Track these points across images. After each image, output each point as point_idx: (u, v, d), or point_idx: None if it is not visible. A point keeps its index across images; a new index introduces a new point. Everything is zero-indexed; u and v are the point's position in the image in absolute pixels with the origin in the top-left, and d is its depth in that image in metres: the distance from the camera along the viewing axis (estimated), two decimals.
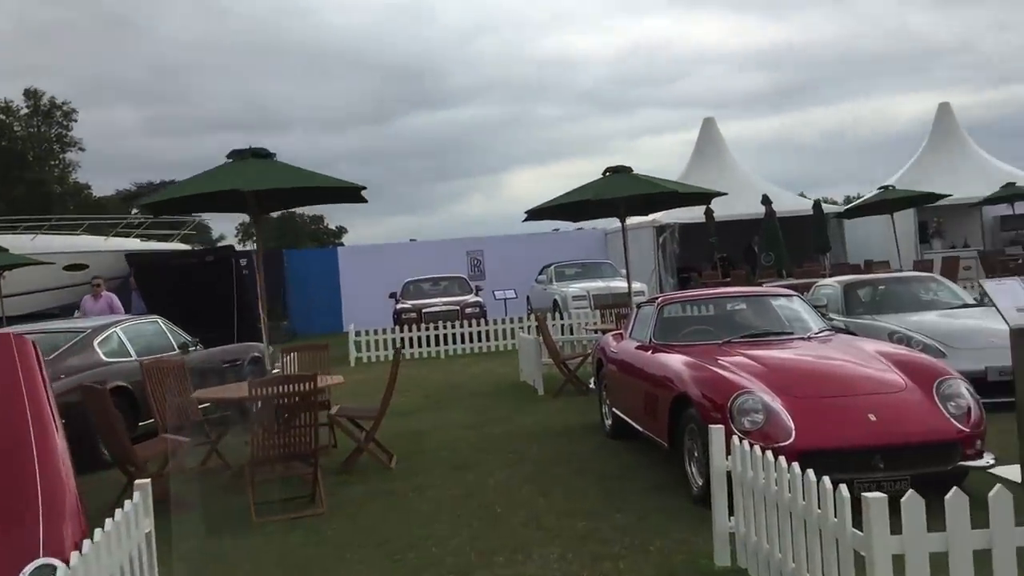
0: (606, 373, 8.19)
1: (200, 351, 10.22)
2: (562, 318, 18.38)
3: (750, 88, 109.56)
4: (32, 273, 19.33)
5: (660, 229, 24.80)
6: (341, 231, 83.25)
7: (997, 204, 22.48)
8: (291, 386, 6.41)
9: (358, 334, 17.94)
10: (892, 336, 8.70)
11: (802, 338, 6.85)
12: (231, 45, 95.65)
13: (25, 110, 54.50)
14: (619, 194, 10.66)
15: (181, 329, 10.81)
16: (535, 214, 11.77)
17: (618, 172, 11.29)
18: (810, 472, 3.87)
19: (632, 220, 28.59)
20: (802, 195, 31.57)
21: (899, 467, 5.17)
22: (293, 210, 79.20)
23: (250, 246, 73.52)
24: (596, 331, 12.78)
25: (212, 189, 6.85)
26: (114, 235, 24.87)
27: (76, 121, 55.71)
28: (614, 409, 7.88)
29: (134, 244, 25.24)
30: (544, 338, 11.72)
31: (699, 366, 6.16)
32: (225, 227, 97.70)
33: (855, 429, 5.31)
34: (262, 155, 7.49)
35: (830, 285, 10.51)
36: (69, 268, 22.54)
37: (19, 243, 22.02)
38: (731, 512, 4.74)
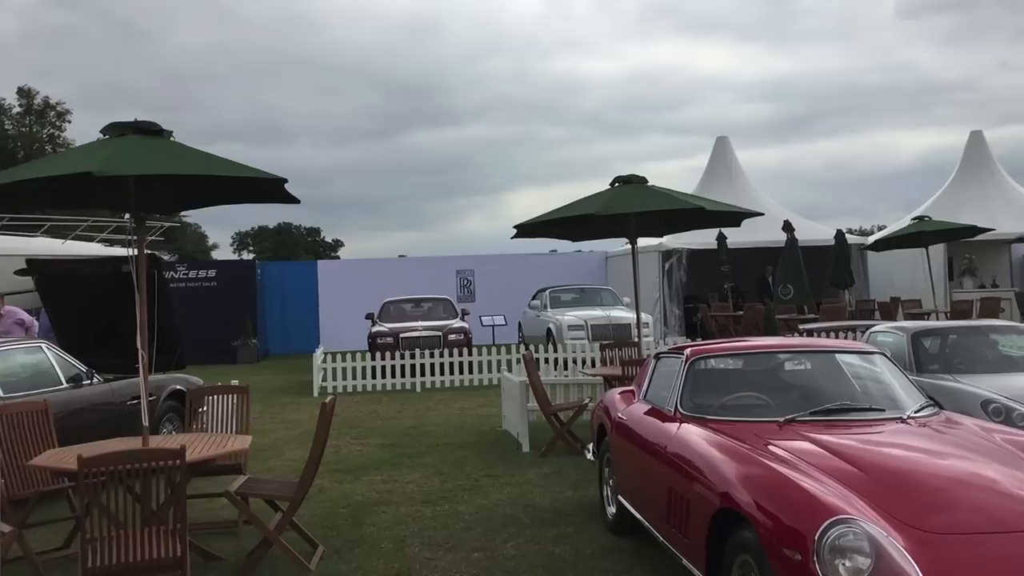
0: (611, 444, 6.09)
1: (98, 385, 8.11)
2: (555, 350, 16.30)
3: (755, 117, 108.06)
4: None
5: (667, 254, 22.73)
6: (337, 244, 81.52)
7: None
8: (144, 463, 4.32)
9: (324, 360, 15.82)
10: (987, 406, 6.63)
11: (899, 419, 4.76)
12: (241, 56, 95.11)
13: (18, 109, 53.01)
14: (631, 209, 8.63)
15: (87, 356, 8.75)
16: (527, 230, 9.72)
17: (630, 183, 9.26)
18: None
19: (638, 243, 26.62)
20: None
21: None
22: (289, 221, 77.75)
23: (246, 256, 71.78)
24: (596, 377, 10.71)
25: (52, 173, 4.79)
26: (73, 238, 22.73)
27: (70, 122, 54.54)
28: (620, 497, 5.78)
29: (95, 249, 23.15)
30: (531, 382, 9.63)
31: (757, 461, 4.08)
32: (220, 236, 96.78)
33: None
34: (151, 132, 5.44)
35: (891, 332, 8.42)
36: (21, 273, 20.47)
37: None
38: None
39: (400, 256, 31.16)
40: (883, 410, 4.88)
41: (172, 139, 5.60)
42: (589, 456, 6.74)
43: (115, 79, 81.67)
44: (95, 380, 8.05)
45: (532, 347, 16.27)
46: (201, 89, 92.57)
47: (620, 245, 30.21)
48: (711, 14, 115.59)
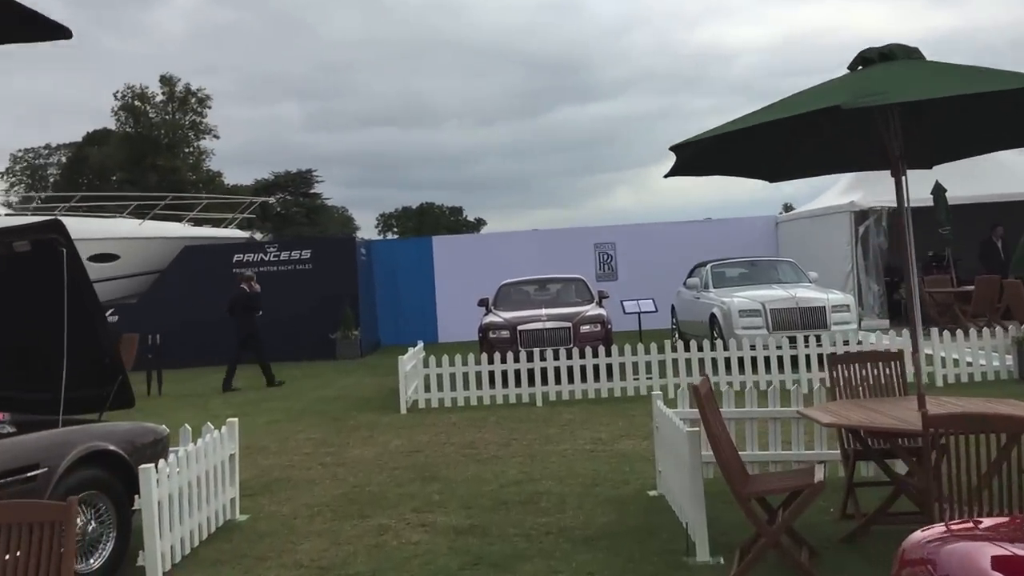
0: None
1: None
2: (725, 347, 11.92)
3: None
4: None
5: (860, 215, 17.80)
6: (480, 223, 79.45)
7: None
8: None
9: (414, 364, 12.06)
10: None
11: None
12: (389, 43, 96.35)
13: (160, 97, 53.55)
14: (925, 94, 4.24)
15: None
16: (693, 159, 5.42)
17: (891, 59, 4.87)
18: None
19: (819, 203, 21.54)
20: None
21: None
22: (432, 201, 76.40)
23: (391, 236, 70.22)
24: (831, 425, 6.28)
25: None
26: (150, 218, 20.11)
27: (210, 108, 55.72)
28: None
29: (177, 230, 20.47)
30: (709, 433, 5.32)
31: None
32: (366, 217, 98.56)
33: None
34: None
35: None
36: (95, 259, 18.00)
37: None
38: None
39: (534, 230, 27.28)
40: None
41: None
42: None
43: (275, 70, 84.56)
44: None
45: (694, 344, 11.91)
46: (354, 76, 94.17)
47: (794, 205, 25.27)
48: None
